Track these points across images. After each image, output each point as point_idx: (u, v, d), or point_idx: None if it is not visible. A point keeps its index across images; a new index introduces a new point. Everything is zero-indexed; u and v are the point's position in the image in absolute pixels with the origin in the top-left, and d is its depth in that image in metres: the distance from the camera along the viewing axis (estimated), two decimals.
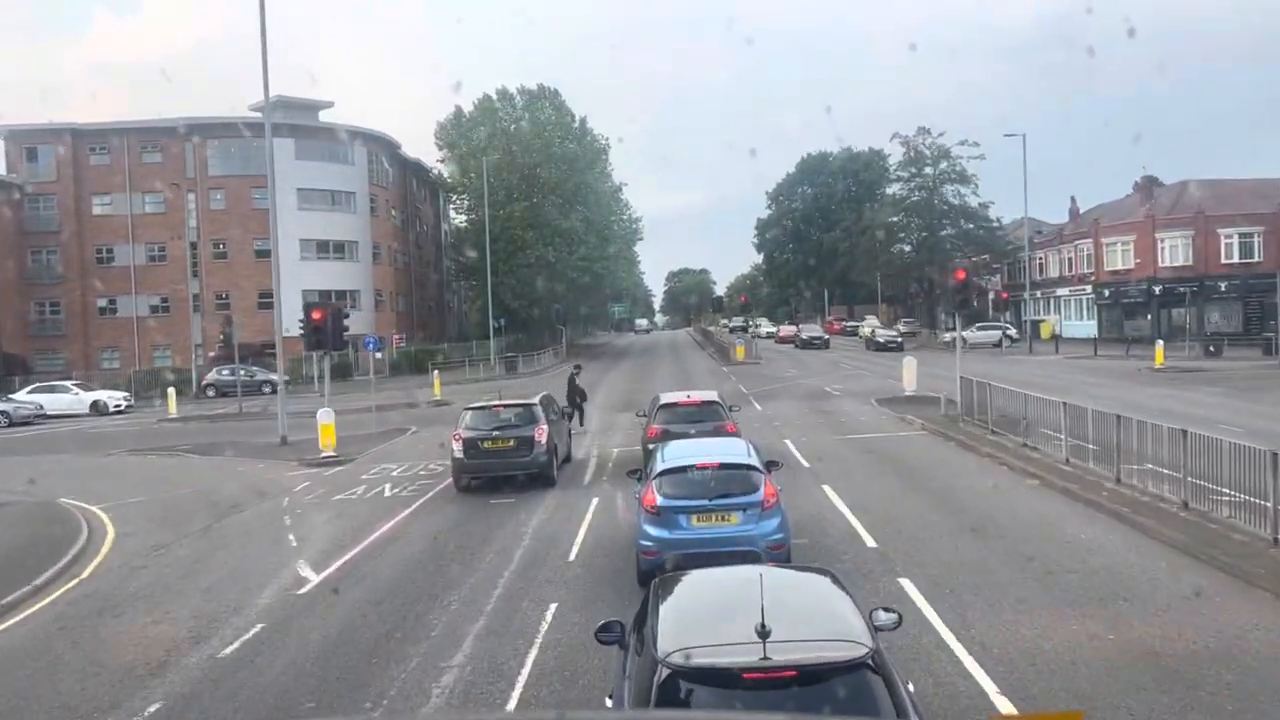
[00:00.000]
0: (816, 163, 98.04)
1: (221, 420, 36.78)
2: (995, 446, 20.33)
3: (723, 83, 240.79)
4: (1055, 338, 60.29)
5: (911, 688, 6.15)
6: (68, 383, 46.26)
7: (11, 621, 11.83)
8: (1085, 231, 65.91)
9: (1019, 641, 9.25)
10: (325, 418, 24.38)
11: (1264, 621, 9.52)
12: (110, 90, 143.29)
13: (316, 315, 25.45)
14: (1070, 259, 68.18)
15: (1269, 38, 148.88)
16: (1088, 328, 62.17)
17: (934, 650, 9.08)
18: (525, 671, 9.12)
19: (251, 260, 54.94)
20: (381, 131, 63.25)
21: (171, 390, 41.45)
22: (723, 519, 11.25)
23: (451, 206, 78.17)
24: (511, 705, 8.52)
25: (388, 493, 19.29)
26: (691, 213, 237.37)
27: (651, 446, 15.59)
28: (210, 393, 47.65)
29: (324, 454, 24.00)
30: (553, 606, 10.99)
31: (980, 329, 60.73)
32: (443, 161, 69.97)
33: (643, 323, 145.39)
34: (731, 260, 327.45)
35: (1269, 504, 11.62)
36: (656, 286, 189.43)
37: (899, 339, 60.55)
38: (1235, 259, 57.17)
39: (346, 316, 28.33)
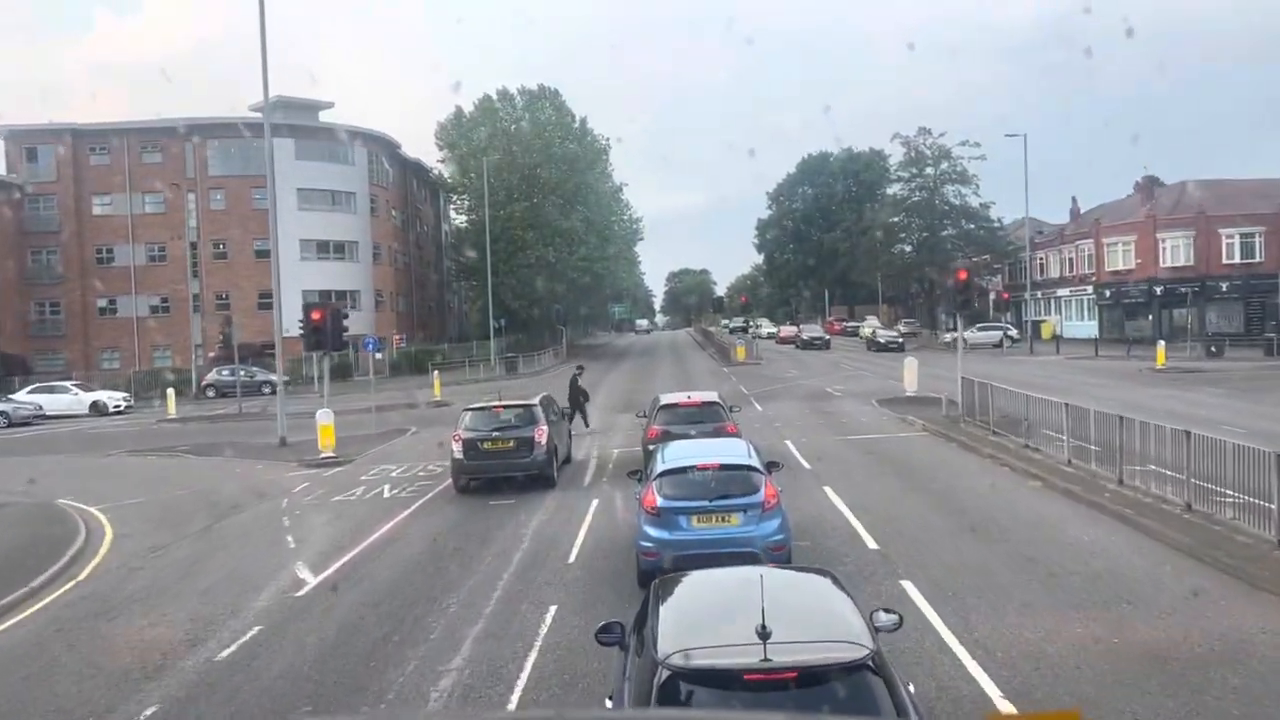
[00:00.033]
0: (817, 163, 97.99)
1: (221, 421, 36.72)
2: (997, 447, 20.25)
3: (723, 83, 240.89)
4: (1056, 338, 60.21)
5: (912, 689, 6.12)
6: (67, 383, 46.19)
7: (8, 624, 11.76)
8: (1086, 232, 65.83)
9: (1022, 645, 9.18)
10: (324, 418, 24.31)
11: (1270, 625, 9.44)
12: (110, 90, 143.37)
13: (316, 315, 25.38)
14: (1071, 259, 68.10)
15: (1269, 38, 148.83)
16: (1089, 328, 62.10)
17: (937, 654, 9.01)
18: (524, 675, 9.05)
19: (251, 260, 54.87)
20: (381, 131, 63.25)
21: (171, 391, 41.37)
22: (723, 520, 11.19)
23: (452, 207, 78.09)
24: (510, 709, 8.46)
25: (387, 494, 19.22)
26: (692, 213, 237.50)
27: (652, 447, 15.52)
28: (210, 393, 47.58)
29: (323, 455, 23.93)
30: (552, 609, 10.92)
31: (981, 329, 60.65)
32: (443, 162, 69.95)
33: (643, 323, 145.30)
34: (732, 260, 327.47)
35: (1273, 506, 11.54)
36: (657, 287, 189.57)
37: (900, 339, 60.47)
38: (1236, 259, 57.08)
39: (346, 317, 28.26)
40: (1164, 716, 7.57)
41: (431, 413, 33.23)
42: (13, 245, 56.02)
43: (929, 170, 71.10)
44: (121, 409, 43.09)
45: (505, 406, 19.73)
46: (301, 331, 26.02)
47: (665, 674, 5.10)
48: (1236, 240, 57.15)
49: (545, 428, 18.88)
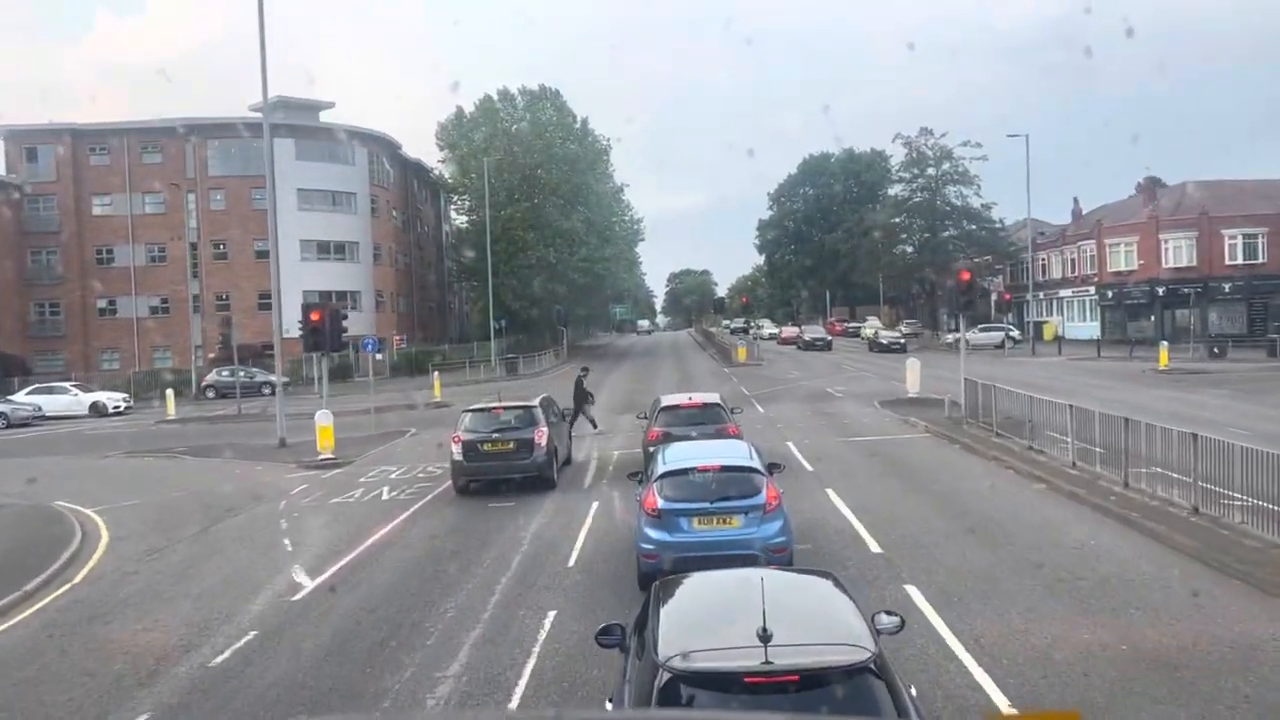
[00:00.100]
0: (818, 163, 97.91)
1: (220, 422, 36.59)
2: (1000, 449, 20.10)
3: (723, 83, 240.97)
4: (1058, 339, 60.04)
5: (914, 691, 6.00)
6: (67, 384, 46.07)
7: (0, 629, 11.61)
8: (1088, 232, 65.65)
9: (1029, 652, 9.02)
10: (323, 420, 24.18)
11: None
12: (111, 90, 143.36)
13: (315, 316, 25.23)
14: (1073, 260, 67.93)
15: (1269, 38, 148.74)
16: (1090, 329, 61.95)
17: (942, 660, 8.86)
18: (522, 682, 8.91)
19: (251, 261, 54.77)
20: (382, 132, 63.13)
21: (170, 392, 41.23)
22: (724, 522, 11.07)
23: (452, 207, 77.98)
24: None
25: (385, 496, 19.08)
26: (692, 214, 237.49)
27: (652, 449, 15.37)
28: (210, 394, 47.45)
29: (322, 456, 23.79)
30: (551, 614, 10.77)
31: (983, 330, 60.47)
32: (443, 162, 69.84)
33: (644, 324, 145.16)
34: (733, 261, 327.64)
35: None
36: (658, 288, 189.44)
37: (902, 340, 60.29)
38: (1239, 260, 56.94)
39: (345, 317, 28.12)
40: None
41: (431, 414, 33.09)
42: (12, 245, 55.94)
43: (930, 171, 70.94)
44: (121, 410, 42.95)
45: (505, 408, 19.60)
46: (301, 332, 25.87)
47: (665, 676, 5.07)
48: (1239, 241, 57.00)
49: (545, 429, 18.75)
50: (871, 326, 72.40)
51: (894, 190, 77.06)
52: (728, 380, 41.28)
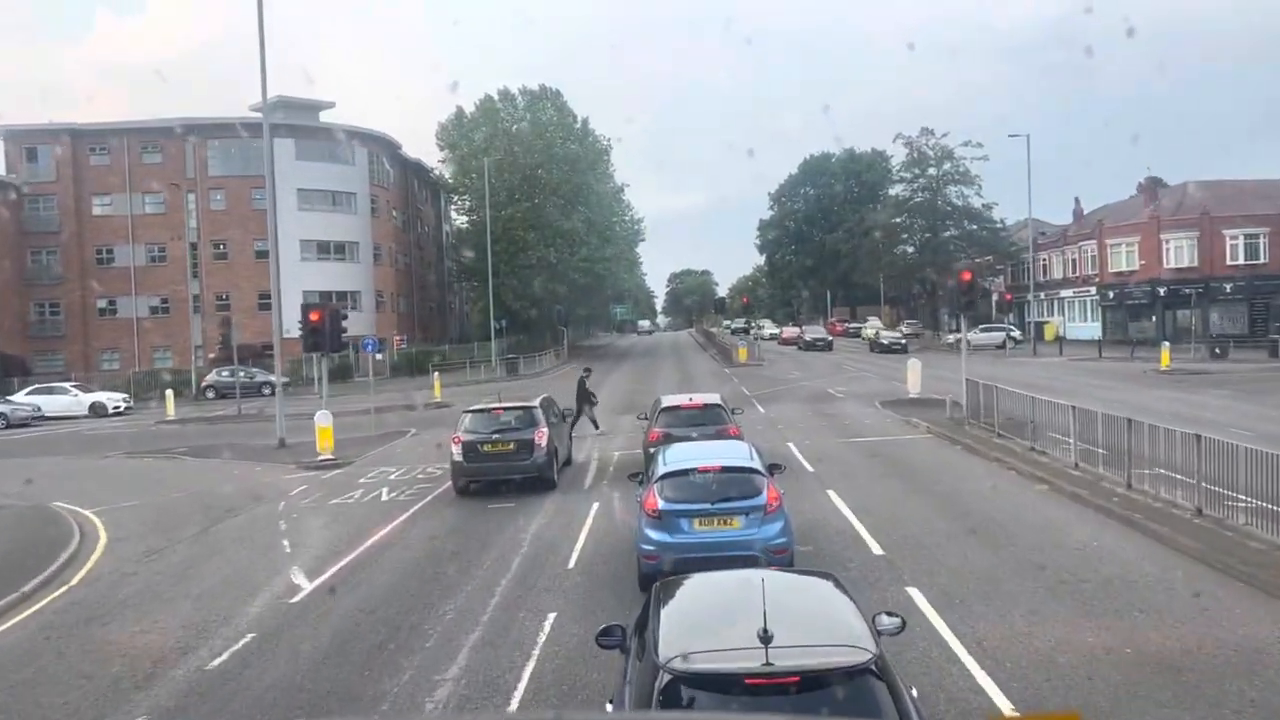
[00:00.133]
0: (818, 163, 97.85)
1: (220, 422, 36.54)
2: (1002, 450, 20.03)
3: (723, 83, 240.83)
4: (1059, 340, 59.94)
5: (915, 692, 5.95)
6: (66, 384, 46.02)
7: None
8: (1089, 233, 65.55)
9: (1032, 654, 8.96)
10: (323, 420, 24.12)
11: None
12: (111, 90, 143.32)
13: (314, 316, 25.15)
14: (1074, 260, 67.82)
15: (1269, 38, 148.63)
16: (1092, 329, 61.83)
17: (945, 664, 8.79)
18: (522, 685, 8.85)
19: (252, 261, 54.71)
20: (382, 132, 63.06)
21: (169, 392, 41.17)
22: (725, 523, 11.02)
23: (453, 207, 77.90)
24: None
25: (385, 497, 19.01)
26: (693, 214, 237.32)
27: (653, 450, 15.31)
28: (210, 394, 47.38)
29: (321, 457, 23.73)
30: (551, 616, 10.71)
31: (984, 331, 60.39)
32: (444, 162, 69.78)
33: (645, 324, 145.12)
34: (733, 261, 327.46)
35: None
36: (658, 288, 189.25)
37: (903, 341, 60.21)
38: (1240, 260, 56.84)
39: (344, 317, 28.04)
40: None
41: (431, 414, 33.02)
42: (12, 245, 55.88)
43: (931, 171, 70.81)
44: (121, 410, 42.90)
45: (505, 408, 19.53)
46: (301, 332, 25.81)
47: (666, 678, 5.07)
48: (1240, 241, 56.91)
49: (545, 430, 18.68)
50: (872, 327, 72.30)
51: (895, 190, 76.96)
52: (728, 381, 41.21)
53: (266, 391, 41.74)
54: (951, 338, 56.64)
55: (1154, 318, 58.25)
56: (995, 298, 67.31)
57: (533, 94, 69.72)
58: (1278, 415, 24.43)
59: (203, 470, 24.25)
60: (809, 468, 19.44)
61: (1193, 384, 34.13)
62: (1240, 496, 12.52)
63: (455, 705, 8.57)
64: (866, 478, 18.61)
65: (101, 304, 57.53)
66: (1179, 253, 58.10)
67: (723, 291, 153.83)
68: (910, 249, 75.01)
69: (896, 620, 6.56)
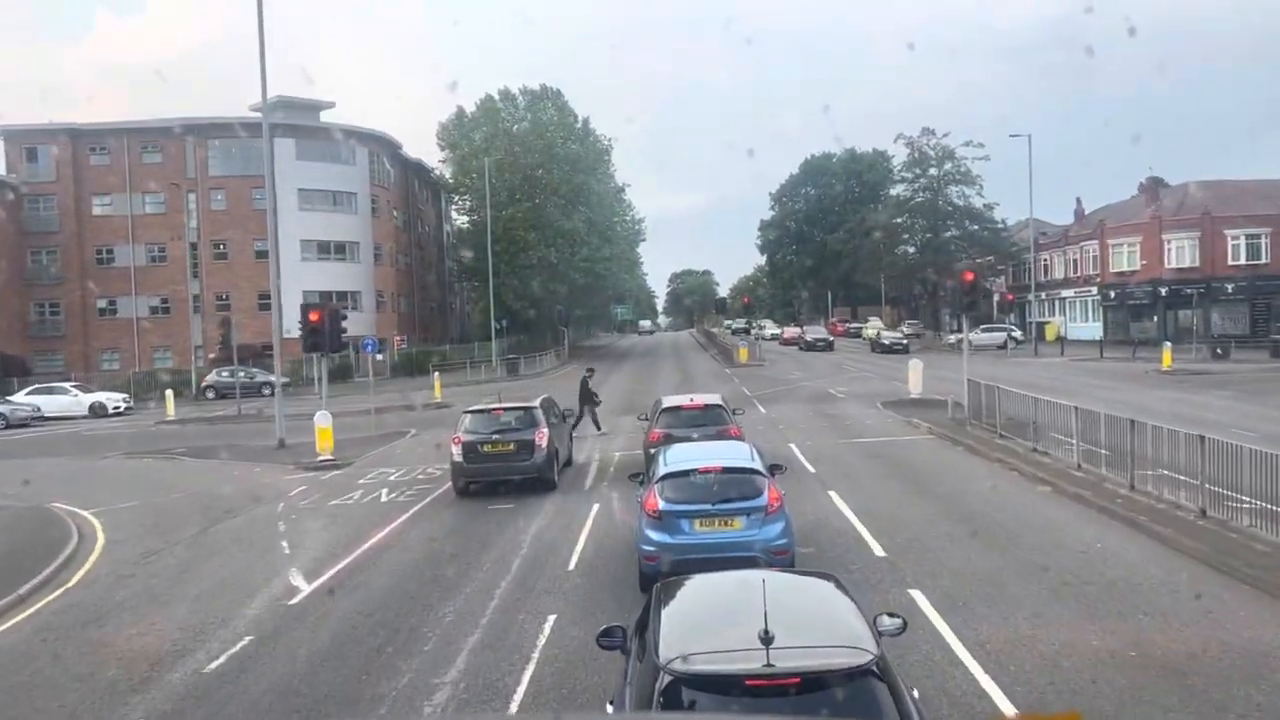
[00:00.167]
0: (819, 164, 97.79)
1: (220, 423, 36.47)
2: (1004, 451, 19.95)
3: (723, 83, 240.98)
4: (1060, 340, 59.86)
5: (916, 694, 5.89)
6: (66, 384, 45.96)
7: None
8: (1090, 233, 65.48)
9: (1036, 657, 8.88)
10: (322, 421, 24.05)
11: None
12: (111, 90, 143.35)
13: (314, 316, 25.08)
14: (1075, 260, 67.75)
15: (1269, 38, 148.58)
16: (1093, 330, 61.76)
17: (948, 667, 8.71)
18: (521, 688, 8.77)
19: (252, 261, 54.66)
20: (382, 132, 62.99)
21: (169, 392, 41.11)
22: (725, 524, 10.96)
23: (453, 207, 77.86)
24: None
25: (384, 497, 18.94)
26: (693, 214, 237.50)
27: (654, 450, 15.26)
28: (210, 394, 47.33)
29: (321, 458, 23.65)
30: (551, 618, 10.63)
31: (985, 331, 60.30)
32: (444, 162, 69.75)
33: (646, 324, 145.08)
34: (734, 261, 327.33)
35: None
36: (659, 288, 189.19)
37: (905, 341, 60.17)
38: (1242, 260, 56.80)
39: (344, 318, 27.95)
40: None
41: (431, 415, 32.96)
42: (12, 245, 55.84)
43: (932, 171, 70.75)
44: (120, 410, 42.85)
45: (505, 409, 19.44)
46: (301, 332, 25.74)
47: (666, 679, 5.05)
48: (1242, 241, 56.85)
49: (546, 430, 18.61)
50: (873, 327, 72.20)
51: (896, 190, 76.94)
52: (729, 381, 41.14)
53: (266, 392, 41.68)
54: (953, 338, 56.57)
55: (1155, 318, 58.18)
56: (996, 298, 67.22)
57: (533, 94, 69.68)
58: None
59: (202, 471, 24.18)
60: (810, 468, 19.36)
61: (1194, 384, 34.05)
62: (1244, 498, 12.44)
63: (454, 708, 8.51)
64: (868, 479, 18.53)
65: (101, 304, 57.49)
66: (1180, 253, 58.03)
67: (723, 292, 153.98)
68: (911, 249, 74.93)
69: (898, 621, 6.53)
